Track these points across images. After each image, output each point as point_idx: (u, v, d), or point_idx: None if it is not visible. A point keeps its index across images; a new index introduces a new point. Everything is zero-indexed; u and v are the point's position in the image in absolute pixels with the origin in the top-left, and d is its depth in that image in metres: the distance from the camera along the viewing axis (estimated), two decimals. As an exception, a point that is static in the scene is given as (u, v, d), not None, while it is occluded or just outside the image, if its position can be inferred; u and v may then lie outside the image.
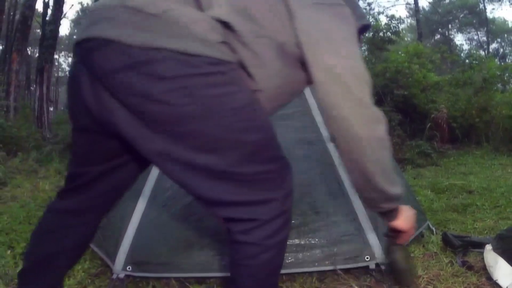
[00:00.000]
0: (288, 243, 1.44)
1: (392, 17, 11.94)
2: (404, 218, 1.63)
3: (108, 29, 1.25)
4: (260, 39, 1.32)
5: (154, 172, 2.48)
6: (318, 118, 2.78)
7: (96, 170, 1.53)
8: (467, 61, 12.38)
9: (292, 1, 1.34)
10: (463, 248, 2.55)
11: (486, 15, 35.56)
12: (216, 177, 1.29)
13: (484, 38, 38.23)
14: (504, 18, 52.12)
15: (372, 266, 2.21)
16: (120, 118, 1.28)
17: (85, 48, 1.31)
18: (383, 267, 2.18)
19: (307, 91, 2.79)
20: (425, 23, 34.82)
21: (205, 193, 1.32)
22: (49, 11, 15.33)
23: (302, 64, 1.36)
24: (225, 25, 1.27)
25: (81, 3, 44.05)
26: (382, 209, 1.57)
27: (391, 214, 1.60)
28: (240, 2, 1.32)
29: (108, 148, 1.49)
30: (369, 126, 1.34)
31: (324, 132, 2.72)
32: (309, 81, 1.40)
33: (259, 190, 1.32)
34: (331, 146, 2.66)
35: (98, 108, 1.31)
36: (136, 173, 1.63)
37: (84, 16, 1.35)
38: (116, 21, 1.26)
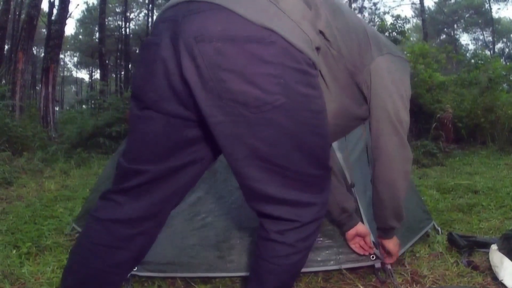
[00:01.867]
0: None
1: (397, 17, 11.95)
2: (395, 243, 2.08)
3: None
4: (341, 58, 1.48)
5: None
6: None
7: (157, 170, 1.39)
8: (472, 61, 12.33)
9: (373, 46, 1.56)
10: (469, 248, 2.54)
11: (491, 15, 35.59)
12: (274, 171, 1.31)
13: (490, 38, 38.25)
14: (509, 18, 51.98)
15: (378, 265, 2.20)
16: (196, 92, 1.23)
17: (181, 10, 1.26)
18: (388, 267, 2.17)
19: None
20: (431, 23, 34.85)
21: (257, 185, 1.32)
22: (55, 11, 15.43)
23: (357, 100, 1.60)
24: (322, 34, 1.40)
25: (86, 2, 44.25)
26: (388, 225, 1.95)
27: (389, 232, 2.02)
28: (337, 23, 1.45)
29: (177, 137, 1.38)
30: (404, 163, 1.70)
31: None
32: (362, 119, 1.72)
33: (306, 193, 1.36)
34: (337, 147, 2.66)
35: (177, 78, 1.26)
36: (200, 173, 1.52)
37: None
38: None
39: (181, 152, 1.41)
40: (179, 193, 1.49)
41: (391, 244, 2.08)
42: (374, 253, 2.20)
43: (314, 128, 1.32)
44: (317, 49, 1.35)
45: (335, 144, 2.60)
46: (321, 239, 2.26)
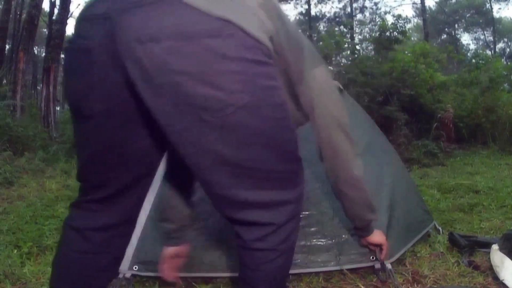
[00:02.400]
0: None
1: (398, 16, 11.84)
2: (378, 234, 2.14)
3: None
4: (282, 60, 1.39)
5: (160, 171, 2.47)
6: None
7: (123, 181, 1.32)
8: (473, 61, 12.31)
9: (310, 57, 1.57)
10: (470, 248, 2.54)
11: (492, 14, 35.50)
12: (244, 174, 1.21)
13: (491, 38, 38.15)
14: (510, 18, 51.83)
15: (378, 266, 2.20)
16: (148, 100, 1.09)
17: (115, 4, 1.08)
18: (389, 267, 2.17)
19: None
20: (432, 23, 34.74)
21: (227, 192, 1.23)
22: (56, 11, 15.39)
23: (295, 102, 1.57)
24: None
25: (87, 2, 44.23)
26: (366, 221, 2.04)
27: (369, 228, 2.09)
28: (281, 26, 1.37)
29: (135, 146, 1.27)
30: (356, 157, 1.79)
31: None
32: (300, 125, 1.69)
33: (280, 191, 1.29)
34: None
35: (123, 86, 1.12)
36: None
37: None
38: None
39: (143, 159, 1.33)
40: (147, 192, 1.44)
41: (375, 237, 2.12)
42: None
43: (280, 121, 1.23)
44: (270, 39, 1.22)
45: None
46: (322, 240, 2.26)
